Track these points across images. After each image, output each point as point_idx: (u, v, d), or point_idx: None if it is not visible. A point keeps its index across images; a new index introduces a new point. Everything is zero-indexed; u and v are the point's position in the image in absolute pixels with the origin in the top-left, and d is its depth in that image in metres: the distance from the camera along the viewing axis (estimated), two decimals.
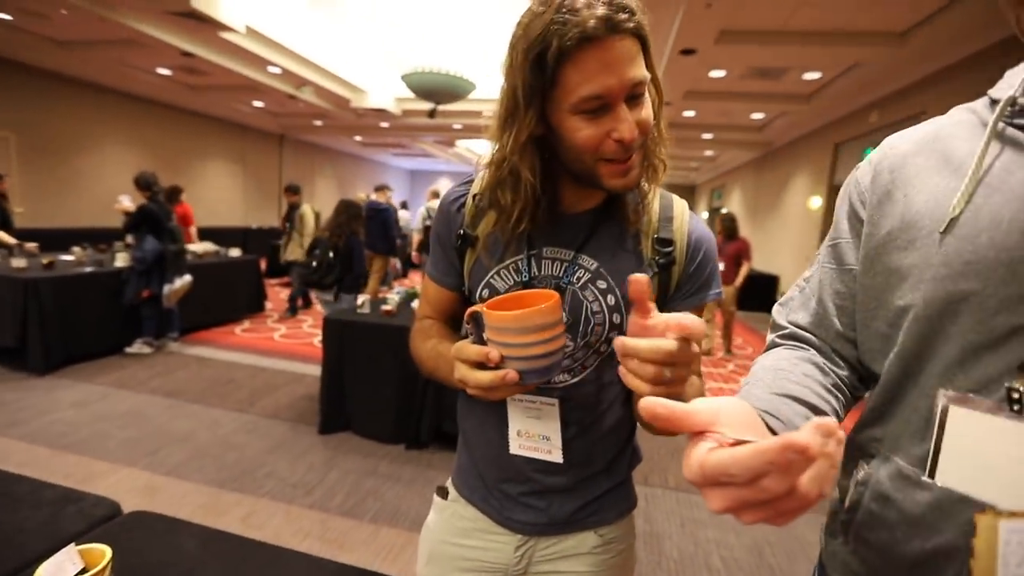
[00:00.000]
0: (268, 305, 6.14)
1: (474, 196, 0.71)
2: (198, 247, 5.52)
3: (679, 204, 0.71)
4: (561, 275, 0.68)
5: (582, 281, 0.67)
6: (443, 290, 0.76)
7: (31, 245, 4.55)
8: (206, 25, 4.86)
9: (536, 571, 0.75)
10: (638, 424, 0.76)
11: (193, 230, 6.15)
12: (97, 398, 3.21)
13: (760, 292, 8.33)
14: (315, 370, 3.66)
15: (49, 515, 0.89)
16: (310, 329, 5.28)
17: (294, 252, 5.49)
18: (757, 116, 7.26)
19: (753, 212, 10.16)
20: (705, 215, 14.70)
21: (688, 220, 0.69)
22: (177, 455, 2.57)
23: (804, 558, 2.07)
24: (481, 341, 0.57)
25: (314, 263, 3.57)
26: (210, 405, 3.22)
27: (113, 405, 3.12)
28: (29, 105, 6.65)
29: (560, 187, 0.67)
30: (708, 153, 10.76)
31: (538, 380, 0.54)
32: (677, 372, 0.42)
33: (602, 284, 0.67)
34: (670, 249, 0.67)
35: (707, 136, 8.61)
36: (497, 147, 0.64)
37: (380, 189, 6.01)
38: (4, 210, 4.76)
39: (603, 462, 0.74)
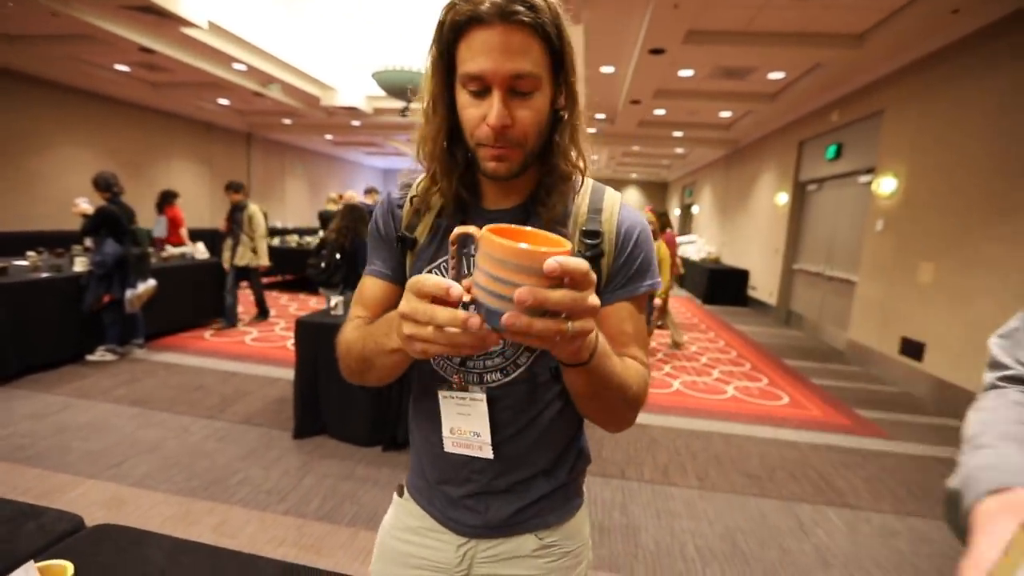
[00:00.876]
0: (239, 308, 5.98)
1: (411, 198, 0.71)
2: (191, 248, 5.59)
3: (611, 196, 0.69)
4: None
5: None
6: (384, 284, 0.73)
7: None
8: (166, 20, 4.70)
9: (478, 573, 0.75)
10: (584, 423, 0.76)
11: (184, 232, 6.25)
12: (57, 409, 3.08)
13: (730, 286, 8.57)
14: (288, 374, 3.59)
15: (5, 532, 0.85)
16: (282, 332, 5.17)
17: (245, 256, 5.17)
18: (725, 114, 7.44)
19: (723, 208, 10.40)
20: (677, 212, 14.97)
21: (618, 211, 0.68)
22: (144, 465, 2.49)
23: (775, 545, 2.14)
24: (456, 276, 0.48)
25: (322, 264, 3.77)
26: (179, 412, 3.13)
27: (74, 415, 3.00)
28: None
29: (482, 184, 0.68)
30: (679, 151, 10.96)
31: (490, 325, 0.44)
32: (577, 324, 0.41)
33: None
34: (597, 241, 0.65)
35: (677, 134, 8.78)
36: (423, 144, 0.66)
37: (370, 191, 6.12)
38: None
39: (542, 464, 0.73)
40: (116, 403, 3.22)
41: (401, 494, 0.82)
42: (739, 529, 2.24)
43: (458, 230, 0.47)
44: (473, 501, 0.73)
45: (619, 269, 0.67)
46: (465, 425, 0.69)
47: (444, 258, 0.69)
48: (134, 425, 2.92)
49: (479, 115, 0.58)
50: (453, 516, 0.74)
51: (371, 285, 0.74)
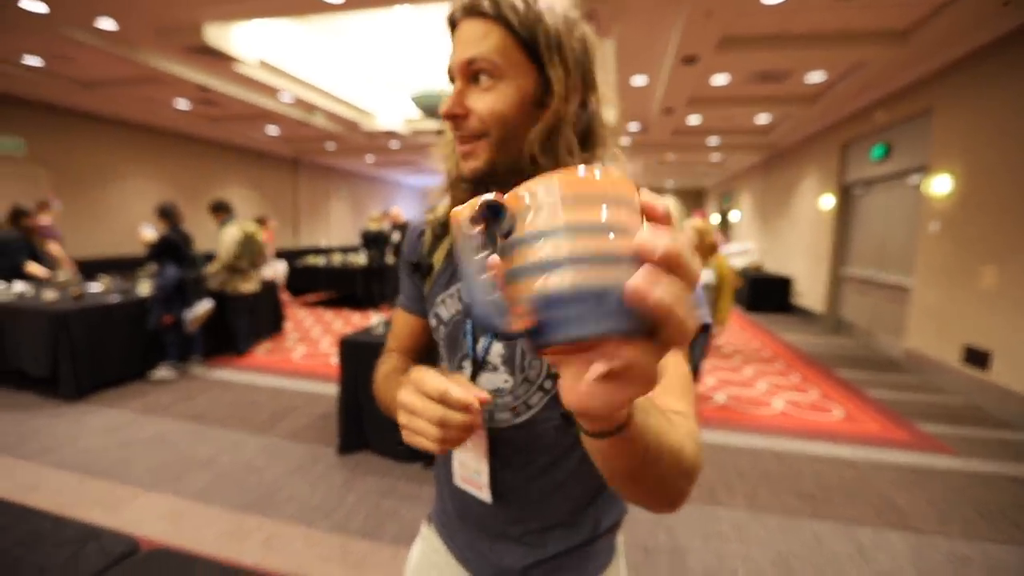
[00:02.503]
0: (288, 326, 6.25)
1: (430, 223, 0.70)
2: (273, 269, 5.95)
3: None
4: None
5: None
6: (412, 317, 0.73)
7: (44, 272, 4.73)
8: (220, 59, 5.05)
9: None
10: None
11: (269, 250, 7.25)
12: (124, 424, 3.31)
13: (774, 294, 8.26)
14: (333, 390, 3.72)
15: (70, 553, 0.92)
16: (328, 349, 5.35)
17: (219, 277, 4.75)
18: (762, 119, 7.24)
19: (763, 215, 10.07)
20: (715, 219, 14.60)
21: None
22: (200, 480, 2.63)
23: (832, 572, 2.03)
24: (485, 251, 0.30)
25: None
26: (231, 428, 3.29)
27: (139, 431, 3.21)
28: (58, 142, 6.96)
29: None
30: (715, 158, 10.72)
31: (570, 331, 0.25)
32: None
33: None
34: None
35: (713, 141, 8.60)
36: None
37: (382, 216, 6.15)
38: (33, 244, 4.95)
39: (559, 516, 0.66)
40: (175, 419, 3.42)
41: (429, 523, 0.81)
42: (793, 554, 2.14)
43: (479, 200, 0.30)
44: (488, 545, 0.69)
45: None
46: (470, 460, 0.66)
47: (459, 283, 0.64)
48: (190, 440, 3.09)
49: None
50: (471, 557, 0.71)
51: (400, 318, 0.74)
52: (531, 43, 0.55)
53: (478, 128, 0.56)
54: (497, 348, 0.63)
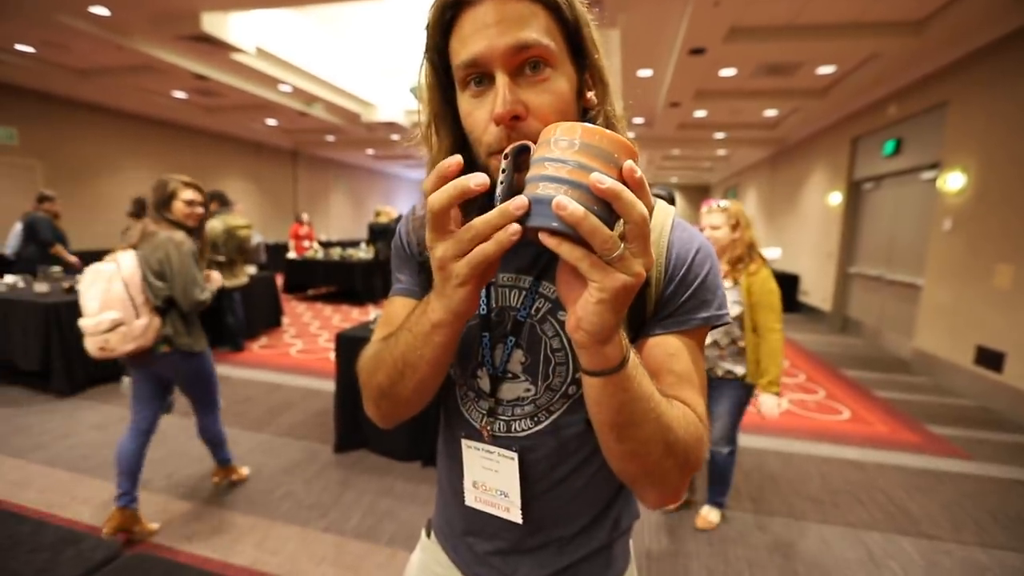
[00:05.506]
0: (285, 320, 6.19)
1: None
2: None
3: (660, 211, 0.58)
4: (519, 306, 0.58)
5: (541, 312, 0.57)
6: (413, 302, 0.65)
7: (73, 258, 4.99)
8: (217, 48, 4.95)
9: None
10: None
11: (306, 244, 8.61)
12: (117, 420, 3.24)
13: (782, 292, 8.13)
14: (331, 386, 3.65)
15: (47, 559, 0.86)
16: (326, 344, 5.29)
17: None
18: (770, 113, 7.14)
19: (769, 211, 9.97)
20: None
21: (668, 232, 0.57)
22: (194, 477, 2.56)
23: None
24: (508, 192, 0.41)
25: None
26: (227, 424, 3.20)
27: None
28: (52, 132, 6.87)
29: None
30: (721, 152, 10.61)
31: (533, 221, 0.38)
32: (629, 247, 0.37)
33: (563, 315, 0.56)
34: None
35: (719, 135, 8.49)
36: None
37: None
38: (58, 229, 4.98)
39: (579, 524, 0.63)
40: (171, 414, 3.34)
41: (429, 533, 0.76)
42: (801, 559, 2.07)
43: (512, 146, 0.41)
44: (500, 560, 0.65)
45: (667, 300, 0.56)
46: (491, 482, 0.62)
47: None
48: (185, 436, 3.02)
49: (485, 115, 0.47)
50: (479, 572, 0.67)
51: (399, 306, 0.66)
52: (575, 31, 0.49)
53: (535, 133, 0.43)
54: (518, 355, 0.59)
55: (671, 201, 3.04)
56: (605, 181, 0.35)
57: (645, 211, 0.36)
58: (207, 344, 2.22)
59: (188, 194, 2.09)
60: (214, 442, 2.41)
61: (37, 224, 4.83)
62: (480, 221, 0.38)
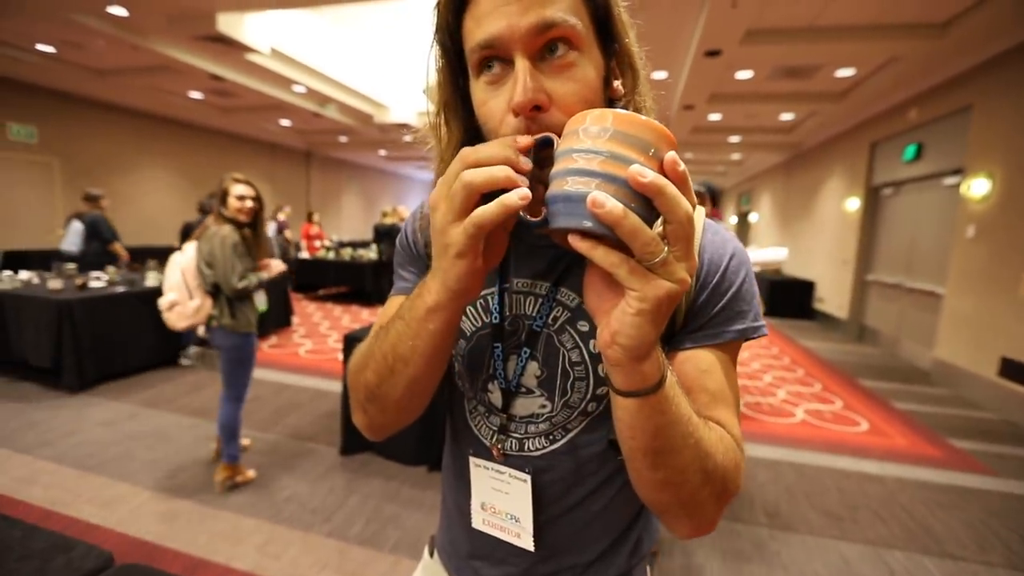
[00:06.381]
0: (295, 320, 6.20)
1: None
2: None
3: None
4: (534, 314, 0.54)
5: (559, 322, 0.53)
6: None
7: (126, 254, 5.26)
8: (233, 48, 4.98)
9: None
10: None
11: (316, 243, 8.91)
12: (125, 417, 3.25)
13: (794, 298, 8.03)
14: (338, 387, 3.63)
15: (37, 567, 0.83)
16: (335, 344, 5.28)
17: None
18: (786, 117, 7.02)
19: (783, 216, 9.81)
20: (733, 220, 14.32)
21: (699, 235, 0.53)
22: (199, 478, 2.54)
23: None
24: (538, 182, 0.39)
25: None
26: None
27: (140, 425, 3.14)
28: (71, 131, 6.97)
29: None
30: (735, 157, 10.48)
31: (559, 222, 0.34)
32: (673, 251, 0.33)
33: (583, 325, 0.52)
34: None
35: (734, 139, 8.38)
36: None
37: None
38: (111, 225, 5.15)
39: (594, 551, 0.59)
40: (177, 413, 3.35)
41: (432, 552, 0.72)
42: None
43: (535, 138, 0.39)
44: None
45: (699, 310, 0.51)
46: (501, 505, 0.57)
47: (483, 294, 0.57)
48: (191, 436, 3.02)
49: (502, 105, 0.42)
50: None
51: (400, 302, 0.61)
52: (604, 10, 0.45)
53: (558, 125, 0.39)
54: (532, 369, 0.54)
55: (714, 195, 2.97)
56: (647, 174, 0.31)
57: (690, 209, 0.33)
58: (252, 330, 2.45)
59: (239, 189, 2.31)
60: (226, 432, 2.45)
61: (98, 223, 5.00)
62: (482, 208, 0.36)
